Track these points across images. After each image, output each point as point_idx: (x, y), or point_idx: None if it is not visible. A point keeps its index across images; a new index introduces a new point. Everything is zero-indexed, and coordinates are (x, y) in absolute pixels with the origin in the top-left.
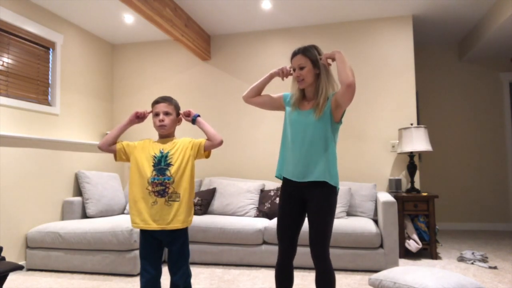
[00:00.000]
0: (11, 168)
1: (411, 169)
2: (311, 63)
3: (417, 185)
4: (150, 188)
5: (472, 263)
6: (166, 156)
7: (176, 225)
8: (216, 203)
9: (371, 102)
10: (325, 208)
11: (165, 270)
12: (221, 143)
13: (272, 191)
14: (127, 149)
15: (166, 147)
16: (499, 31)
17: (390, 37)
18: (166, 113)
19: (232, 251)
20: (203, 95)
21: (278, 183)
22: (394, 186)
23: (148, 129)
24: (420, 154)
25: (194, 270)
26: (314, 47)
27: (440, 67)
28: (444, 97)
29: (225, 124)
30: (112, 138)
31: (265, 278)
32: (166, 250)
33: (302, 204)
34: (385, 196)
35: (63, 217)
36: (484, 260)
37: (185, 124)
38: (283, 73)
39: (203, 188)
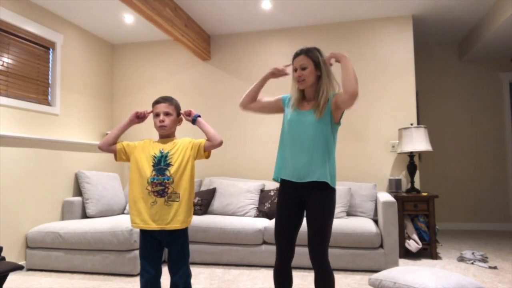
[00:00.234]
0: (11, 168)
1: (411, 169)
2: (313, 64)
3: (417, 185)
4: (149, 188)
5: (472, 263)
6: (166, 156)
7: (176, 225)
8: (216, 203)
9: (371, 102)
10: (324, 209)
11: (165, 270)
12: (221, 143)
13: (272, 191)
14: (127, 149)
15: (166, 147)
16: (499, 31)
17: (390, 37)
18: (167, 114)
19: (232, 251)
20: (203, 95)
21: (278, 183)
22: (394, 186)
23: (148, 129)
24: (420, 154)
25: (194, 270)
26: (316, 49)
27: (440, 67)
28: (444, 97)
29: (225, 124)
30: (112, 138)
31: (265, 278)
32: (166, 250)
33: (301, 205)
34: (385, 196)
35: (63, 217)
36: (484, 260)
37: (185, 124)
38: (278, 72)
39: (203, 188)
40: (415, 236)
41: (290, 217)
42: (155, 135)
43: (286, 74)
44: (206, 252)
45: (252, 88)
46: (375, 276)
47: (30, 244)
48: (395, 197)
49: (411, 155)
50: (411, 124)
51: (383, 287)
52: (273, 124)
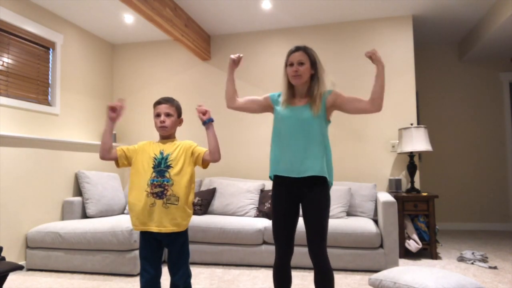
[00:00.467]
0: (11, 168)
1: (411, 169)
2: (310, 62)
3: (417, 185)
4: (149, 189)
5: (472, 263)
6: (166, 158)
7: (173, 228)
8: (216, 203)
9: None
10: (322, 206)
11: (165, 270)
12: (218, 160)
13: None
14: (128, 154)
15: (166, 148)
16: (499, 31)
17: (390, 37)
18: (168, 114)
19: (232, 251)
20: (203, 95)
21: None
22: (394, 186)
23: (148, 130)
24: (420, 154)
25: (194, 270)
26: (312, 50)
27: (440, 67)
28: (444, 97)
29: (225, 124)
30: (107, 144)
31: (265, 278)
32: (166, 250)
33: (297, 202)
34: (385, 196)
35: (63, 217)
36: (484, 260)
37: (185, 125)
38: (237, 58)
39: (203, 188)
40: (415, 236)
41: (287, 215)
42: (155, 136)
43: (241, 56)
44: (206, 252)
45: (227, 87)
46: (375, 276)
47: (30, 244)
48: (395, 197)
49: (411, 155)
50: (411, 124)
51: (383, 287)
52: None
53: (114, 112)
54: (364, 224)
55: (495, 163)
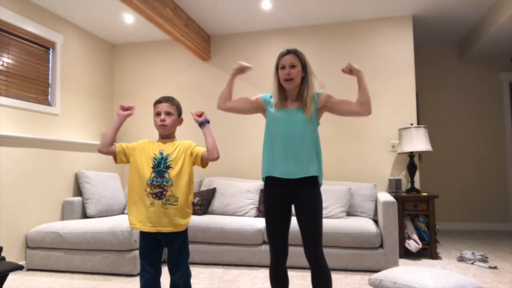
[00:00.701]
0: (11, 168)
1: (411, 169)
2: (301, 64)
3: (417, 185)
4: (148, 189)
5: (472, 263)
6: (166, 159)
7: (171, 229)
8: (216, 203)
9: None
10: (316, 207)
11: (165, 270)
12: (217, 158)
13: None
14: (127, 151)
15: (166, 148)
16: (499, 31)
17: (390, 37)
18: (168, 113)
19: (232, 251)
20: (203, 95)
21: None
22: (394, 186)
23: (148, 129)
24: (420, 154)
25: (194, 270)
26: (302, 53)
27: (440, 67)
28: (444, 97)
29: (225, 124)
30: (109, 138)
31: (265, 278)
32: (165, 250)
33: (289, 202)
34: (385, 196)
35: (63, 217)
36: (484, 260)
37: (185, 125)
38: (245, 67)
39: (203, 188)
40: (415, 236)
41: (280, 217)
42: (155, 135)
43: (250, 67)
44: (206, 252)
45: (224, 89)
46: (375, 276)
47: (30, 244)
48: (395, 197)
49: (411, 155)
50: (411, 124)
51: (383, 287)
52: None
53: (124, 110)
54: (364, 224)
55: (495, 163)
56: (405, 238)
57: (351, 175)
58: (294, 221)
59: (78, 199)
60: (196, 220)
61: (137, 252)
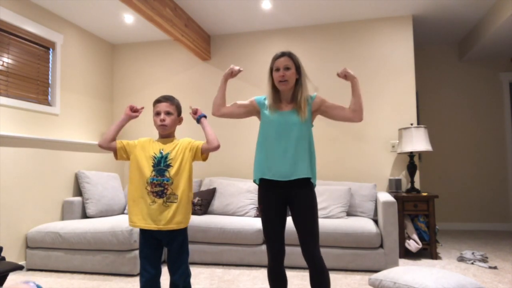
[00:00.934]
0: (11, 168)
1: (411, 169)
2: (295, 67)
3: (417, 185)
4: (149, 188)
5: (472, 263)
6: (166, 157)
7: (173, 226)
8: (216, 203)
9: (371, 102)
10: (311, 207)
11: (164, 270)
12: (217, 147)
13: None
14: (128, 148)
15: (166, 148)
16: (499, 31)
17: (390, 37)
18: (168, 113)
19: (232, 251)
20: (203, 95)
21: None
22: (394, 186)
23: (148, 128)
24: (420, 154)
25: (194, 270)
26: (296, 55)
27: (440, 67)
28: (444, 97)
29: (225, 124)
30: (111, 135)
31: (265, 278)
32: (165, 250)
33: (284, 203)
34: (385, 196)
35: (63, 217)
36: (484, 260)
37: (185, 124)
38: (235, 70)
39: (203, 188)
40: (415, 236)
41: (277, 218)
42: (155, 134)
43: (241, 70)
44: (206, 252)
45: (217, 95)
46: (375, 276)
47: (30, 244)
48: (395, 197)
49: (411, 155)
50: (411, 124)
51: (383, 287)
52: None
53: (132, 111)
54: (364, 224)
55: (495, 163)
56: (405, 238)
57: (351, 175)
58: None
59: (78, 199)
60: (196, 220)
61: (137, 252)
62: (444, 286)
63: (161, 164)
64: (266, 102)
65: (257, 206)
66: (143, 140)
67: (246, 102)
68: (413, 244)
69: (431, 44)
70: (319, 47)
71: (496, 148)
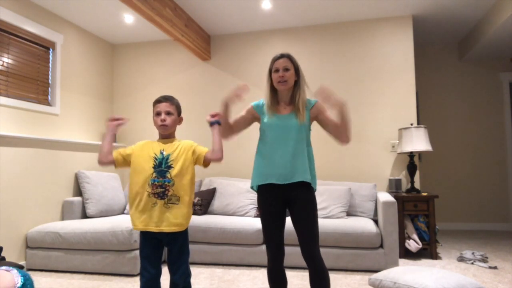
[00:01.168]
0: (11, 168)
1: (411, 169)
2: (294, 68)
3: (417, 185)
4: (149, 190)
5: (472, 263)
6: (167, 159)
7: (174, 228)
8: (216, 203)
9: (371, 102)
10: (311, 209)
11: (165, 270)
12: (220, 159)
13: None
14: (125, 157)
15: (167, 148)
16: (499, 31)
17: (390, 37)
18: (168, 113)
19: (232, 251)
20: (203, 95)
21: None
22: (394, 186)
23: (148, 128)
24: (420, 154)
25: (194, 270)
26: (294, 57)
27: (440, 67)
28: (444, 97)
29: None
30: (106, 148)
31: (265, 278)
32: (165, 250)
33: (284, 205)
34: (385, 196)
35: (63, 217)
36: (484, 260)
37: (185, 124)
38: (240, 92)
39: (203, 188)
40: (415, 236)
41: (277, 219)
42: (155, 135)
43: (247, 89)
44: (206, 252)
45: (224, 126)
46: (375, 276)
47: (30, 244)
48: (395, 197)
49: (411, 155)
50: (411, 124)
51: (383, 287)
52: None
53: (114, 121)
54: (364, 224)
55: (495, 163)
56: (405, 238)
57: (351, 175)
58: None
59: (78, 199)
60: (196, 220)
61: (137, 252)
62: (444, 286)
63: (162, 165)
64: (264, 106)
65: (257, 206)
66: (141, 144)
67: (244, 113)
68: (413, 244)
69: (431, 44)
70: (319, 47)
71: (496, 148)
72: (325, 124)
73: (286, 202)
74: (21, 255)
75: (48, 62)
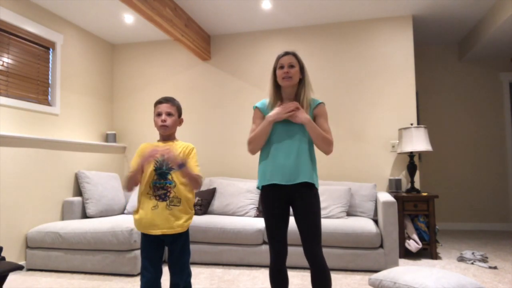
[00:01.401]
0: (11, 168)
1: (411, 169)
2: (299, 66)
3: (417, 185)
4: (151, 192)
5: (472, 263)
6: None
7: (176, 229)
8: (216, 203)
9: (371, 102)
10: (314, 208)
11: (165, 271)
12: (196, 188)
13: None
14: (139, 168)
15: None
16: (499, 31)
17: (390, 37)
18: (169, 114)
19: (232, 251)
20: (203, 95)
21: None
22: (394, 186)
23: (148, 129)
24: (420, 154)
25: (194, 270)
26: (299, 55)
27: (440, 67)
28: (444, 97)
29: (225, 124)
30: (136, 184)
31: (265, 278)
32: (166, 249)
33: (287, 205)
34: (385, 196)
35: (63, 217)
36: (484, 260)
37: (185, 125)
38: (288, 110)
39: (203, 188)
40: (415, 236)
41: (281, 219)
42: (155, 135)
43: (298, 108)
44: (206, 252)
45: (260, 135)
46: (375, 276)
47: (30, 244)
48: (395, 197)
49: (411, 155)
50: (411, 124)
51: (383, 287)
52: None
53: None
54: (364, 224)
55: (495, 163)
56: (405, 238)
57: (351, 175)
58: (292, 221)
59: (78, 199)
60: (196, 220)
61: (137, 252)
62: (444, 286)
63: (163, 167)
64: (268, 106)
65: (257, 206)
66: (144, 147)
67: (258, 120)
68: (413, 244)
69: (431, 44)
70: (319, 47)
71: (496, 148)
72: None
73: (290, 201)
74: (21, 255)
75: (48, 62)
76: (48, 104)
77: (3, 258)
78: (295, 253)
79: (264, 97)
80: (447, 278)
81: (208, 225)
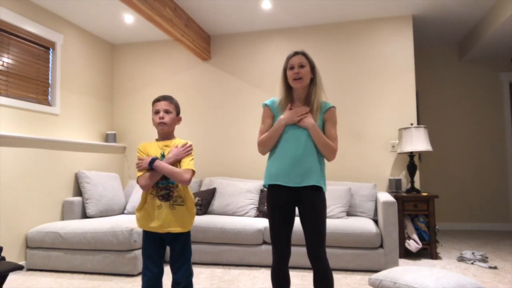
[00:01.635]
0: (11, 168)
1: (411, 169)
2: (310, 66)
3: (417, 185)
4: (154, 192)
5: (472, 263)
6: None
7: (180, 228)
8: (216, 203)
9: (371, 102)
10: (320, 210)
11: (166, 270)
12: (186, 182)
13: None
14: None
15: (167, 150)
16: (499, 31)
17: (390, 37)
18: (167, 111)
19: (232, 251)
20: (203, 95)
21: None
22: (394, 186)
23: (148, 128)
24: (420, 154)
25: (194, 270)
26: (309, 55)
27: (440, 67)
28: (444, 97)
29: (225, 124)
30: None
31: (265, 278)
32: (168, 249)
33: (293, 206)
34: (385, 196)
35: (63, 217)
36: (484, 260)
37: (184, 124)
38: (300, 114)
39: (203, 188)
40: (415, 236)
41: (285, 219)
42: (154, 134)
43: (307, 112)
44: (206, 252)
45: (272, 137)
46: (375, 276)
47: (30, 244)
48: (395, 197)
49: (411, 155)
50: (411, 124)
51: (383, 287)
52: None
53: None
54: (364, 224)
55: (495, 163)
56: (405, 238)
57: (351, 175)
58: (297, 222)
59: (78, 199)
60: (196, 220)
61: (137, 252)
62: (444, 286)
63: None
64: (279, 106)
65: (257, 206)
66: (144, 146)
67: (268, 120)
68: (413, 244)
69: (431, 44)
70: (319, 47)
71: (496, 148)
72: (325, 133)
73: (296, 202)
74: (21, 255)
75: (48, 62)
76: (48, 104)
77: (3, 258)
78: (295, 253)
79: (264, 97)
80: (447, 278)
81: (208, 225)
